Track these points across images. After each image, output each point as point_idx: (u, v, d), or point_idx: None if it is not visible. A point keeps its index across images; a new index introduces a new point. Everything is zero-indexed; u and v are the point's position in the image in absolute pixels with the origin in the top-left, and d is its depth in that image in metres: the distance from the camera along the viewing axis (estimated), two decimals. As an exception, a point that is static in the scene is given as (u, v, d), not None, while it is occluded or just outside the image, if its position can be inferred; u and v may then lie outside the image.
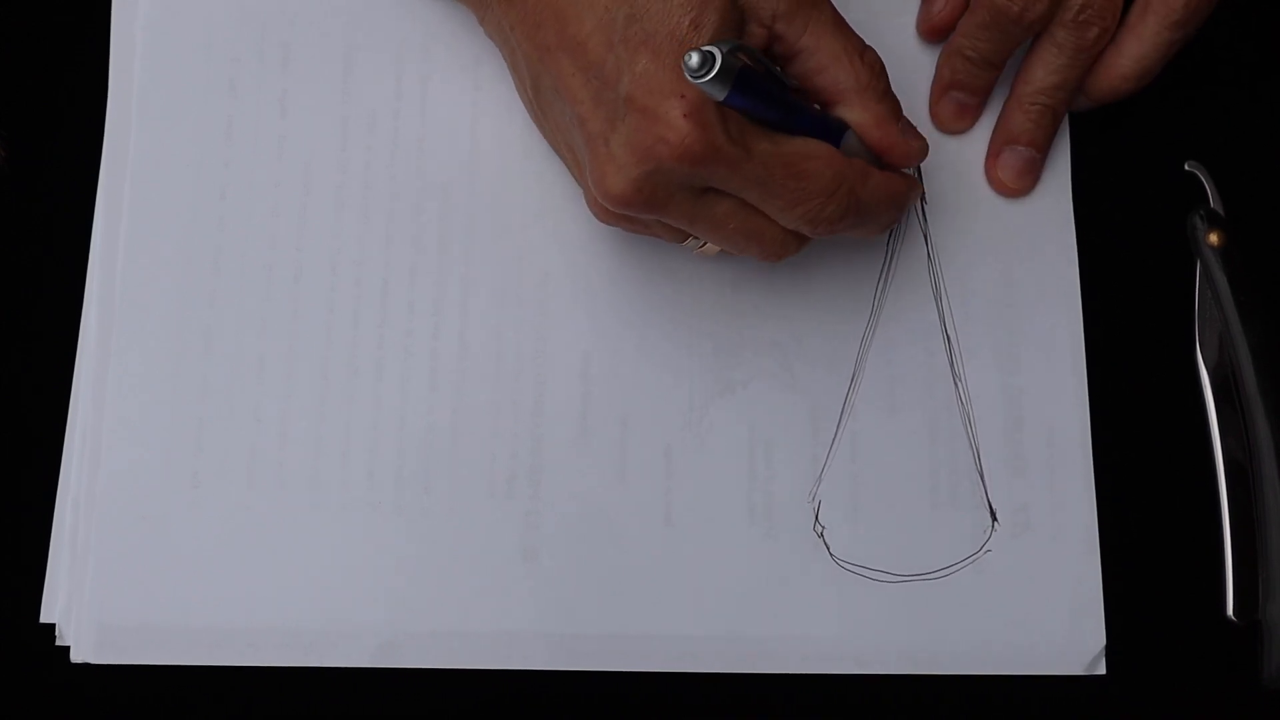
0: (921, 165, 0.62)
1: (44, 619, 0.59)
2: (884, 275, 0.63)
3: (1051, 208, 0.64)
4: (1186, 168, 0.64)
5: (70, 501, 0.60)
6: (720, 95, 0.51)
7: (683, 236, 0.58)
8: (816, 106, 0.57)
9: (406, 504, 0.60)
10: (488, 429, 0.61)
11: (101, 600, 0.59)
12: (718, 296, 0.63)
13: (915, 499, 0.61)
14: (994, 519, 0.61)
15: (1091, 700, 0.60)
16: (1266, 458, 0.61)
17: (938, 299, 0.63)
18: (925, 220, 0.63)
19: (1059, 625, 0.60)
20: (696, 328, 0.62)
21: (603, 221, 0.58)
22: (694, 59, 0.50)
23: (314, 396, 0.61)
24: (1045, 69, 0.62)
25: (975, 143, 0.65)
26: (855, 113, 0.57)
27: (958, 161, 0.64)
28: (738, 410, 0.62)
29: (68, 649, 0.58)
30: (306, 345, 0.61)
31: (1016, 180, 0.64)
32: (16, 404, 0.61)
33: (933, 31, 0.65)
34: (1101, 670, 0.60)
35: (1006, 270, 0.63)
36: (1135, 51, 0.62)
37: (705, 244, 0.59)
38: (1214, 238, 0.63)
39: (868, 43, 0.57)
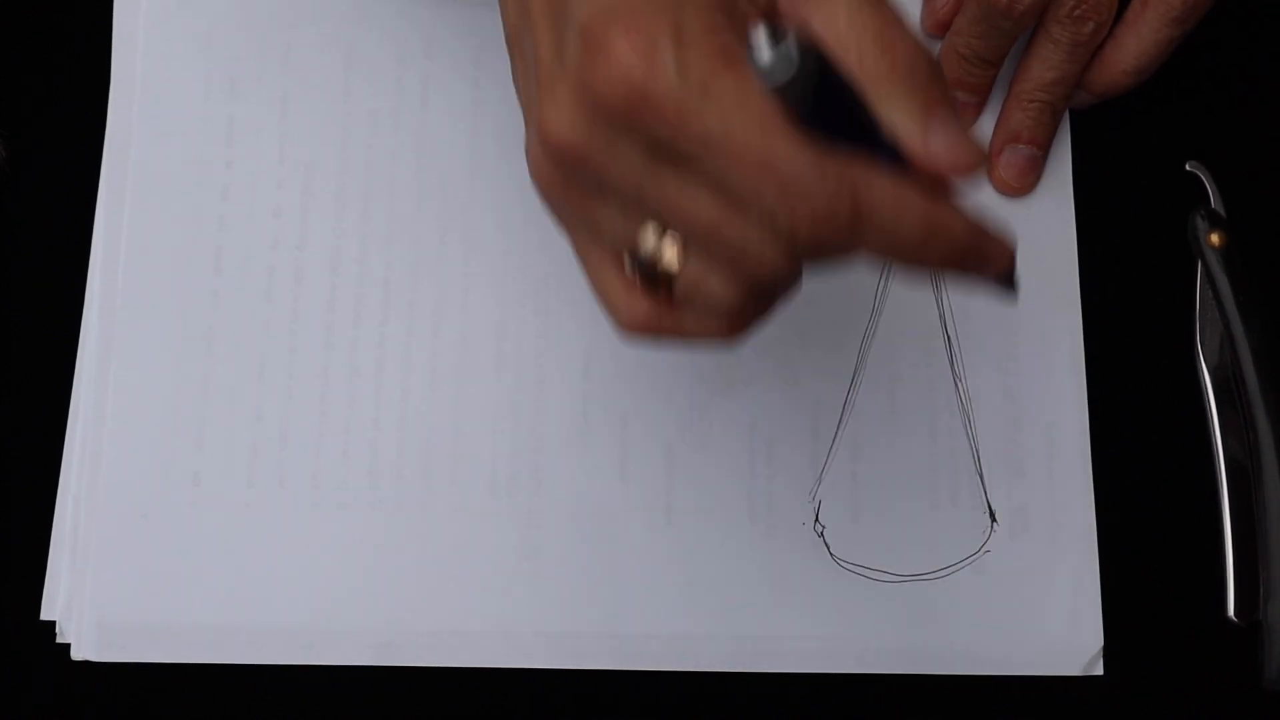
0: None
1: (44, 616, 0.59)
2: (884, 275, 0.63)
3: (1051, 208, 0.64)
4: (1187, 168, 0.64)
5: (71, 499, 0.60)
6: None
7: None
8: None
9: (406, 503, 0.60)
10: (488, 428, 0.61)
11: (102, 598, 0.59)
12: (718, 296, 0.63)
13: (915, 499, 0.61)
14: (993, 519, 0.61)
15: (1090, 701, 0.60)
16: (1267, 458, 0.61)
17: (938, 299, 0.63)
18: (925, 220, 0.63)
19: (1057, 626, 0.60)
20: (697, 327, 0.62)
21: (541, 189, 0.47)
22: (765, 54, 0.41)
23: (314, 396, 0.61)
24: (1042, 65, 0.62)
25: (976, 142, 0.65)
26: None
27: (958, 161, 0.64)
28: (738, 409, 0.61)
29: (68, 646, 0.59)
30: (307, 345, 0.61)
31: (1018, 179, 0.64)
32: (16, 404, 0.61)
33: (938, 27, 0.64)
34: (1099, 671, 0.59)
35: (1007, 270, 0.63)
36: (1134, 47, 0.61)
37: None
38: (1215, 238, 0.63)
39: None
